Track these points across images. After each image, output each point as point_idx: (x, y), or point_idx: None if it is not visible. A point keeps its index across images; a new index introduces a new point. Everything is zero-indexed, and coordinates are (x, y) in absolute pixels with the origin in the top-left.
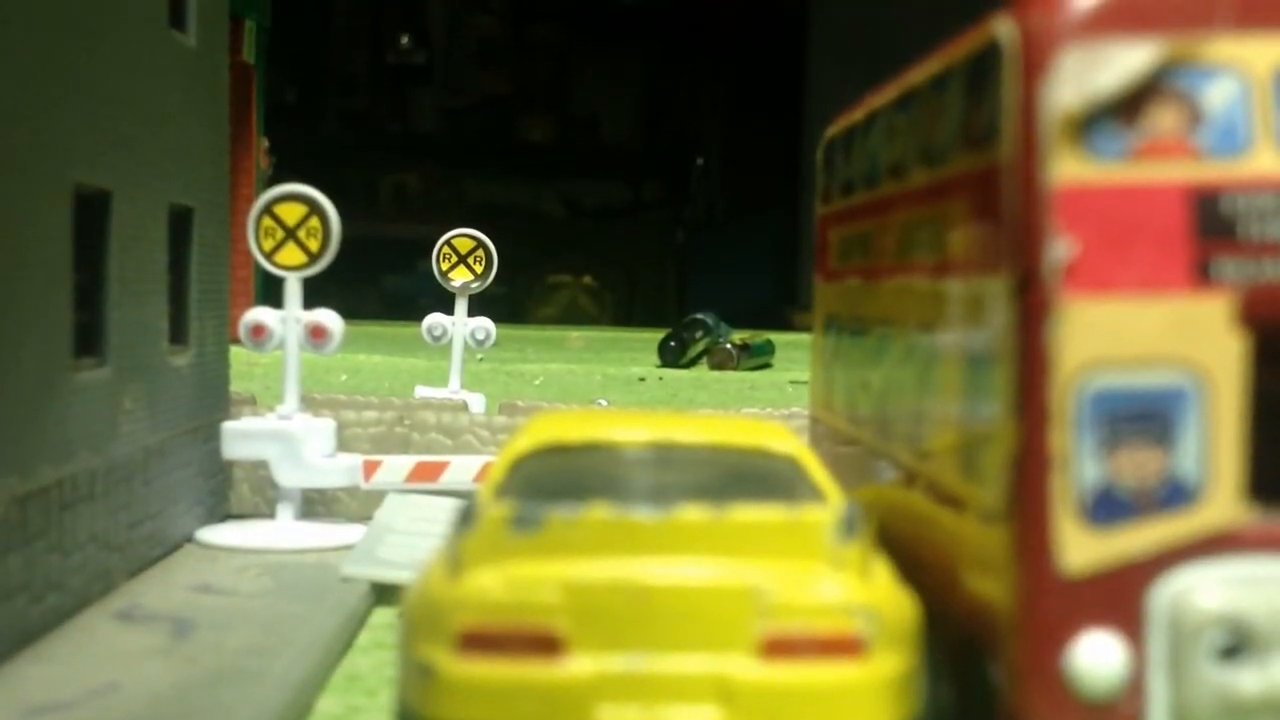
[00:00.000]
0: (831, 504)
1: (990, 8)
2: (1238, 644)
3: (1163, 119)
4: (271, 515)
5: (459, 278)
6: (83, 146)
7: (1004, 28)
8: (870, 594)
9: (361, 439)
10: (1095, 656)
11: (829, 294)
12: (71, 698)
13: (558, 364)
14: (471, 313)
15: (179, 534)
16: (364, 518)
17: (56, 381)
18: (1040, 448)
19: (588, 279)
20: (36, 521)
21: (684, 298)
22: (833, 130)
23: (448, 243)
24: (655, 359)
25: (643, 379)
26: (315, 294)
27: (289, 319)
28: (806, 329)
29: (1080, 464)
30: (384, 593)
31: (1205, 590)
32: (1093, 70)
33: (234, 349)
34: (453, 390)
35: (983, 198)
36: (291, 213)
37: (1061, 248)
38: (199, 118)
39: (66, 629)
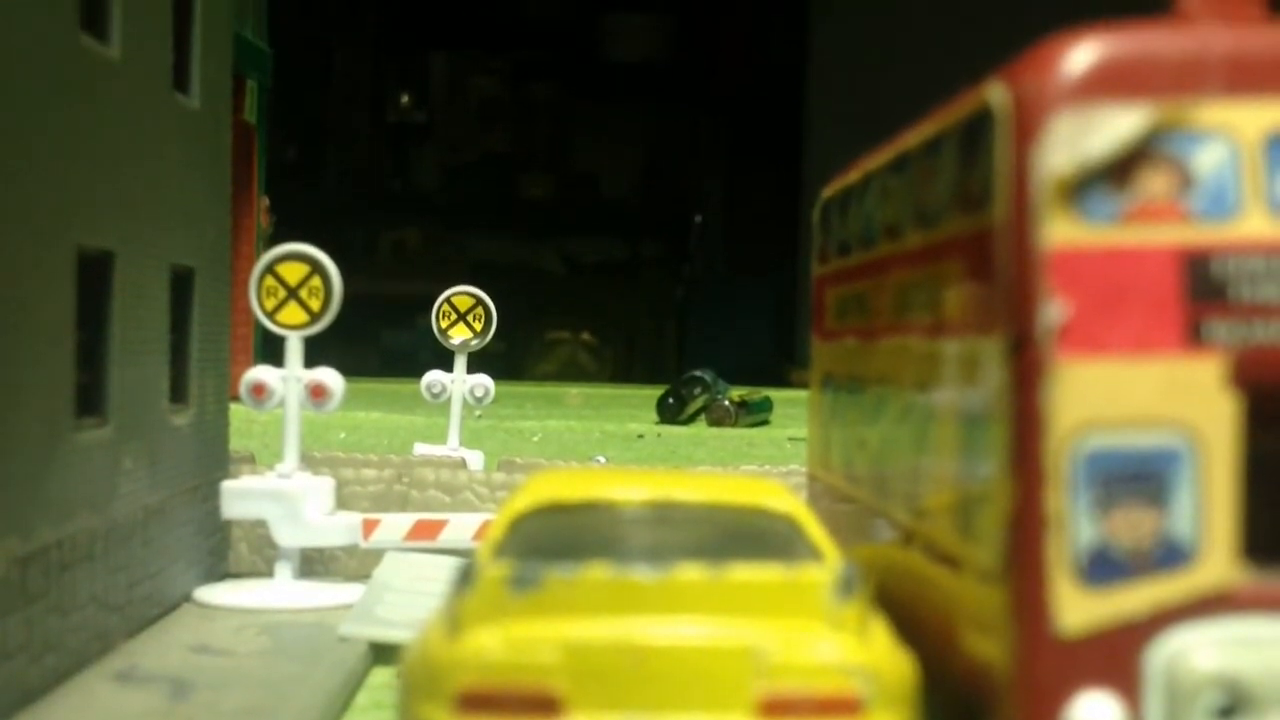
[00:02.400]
0: (830, 563)
1: (984, 72)
2: (1234, 705)
3: (1154, 183)
4: (270, 574)
5: (458, 335)
6: (85, 207)
7: (996, 92)
8: (868, 654)
9: (360, 497)
10: (1092, 716)
11: (826, 353)
12: None
13: (556, 420)
14: (470, 369)
15: (177, 593)
16: (363, 576)
17: (58, 442)
18: (1036, 508)
19: (586, 335)
20: (36, 582)
21: (682, 354)
22: (829, 191)
23: (447, 300)
24: (654, 415)
25: (641, 436)
26: (314, 351)
27: (290, 378)
28: (805, 386)
29: (1076, 524)
30: (382, 652)
31: (1201, 651)
32: (1084, 135)
33: (233, 405)
34: (452, 447)
35: (977, 260)
36: (293, 272)
37: (1055, 309)
38: (201, 178)
39: (65, 690)
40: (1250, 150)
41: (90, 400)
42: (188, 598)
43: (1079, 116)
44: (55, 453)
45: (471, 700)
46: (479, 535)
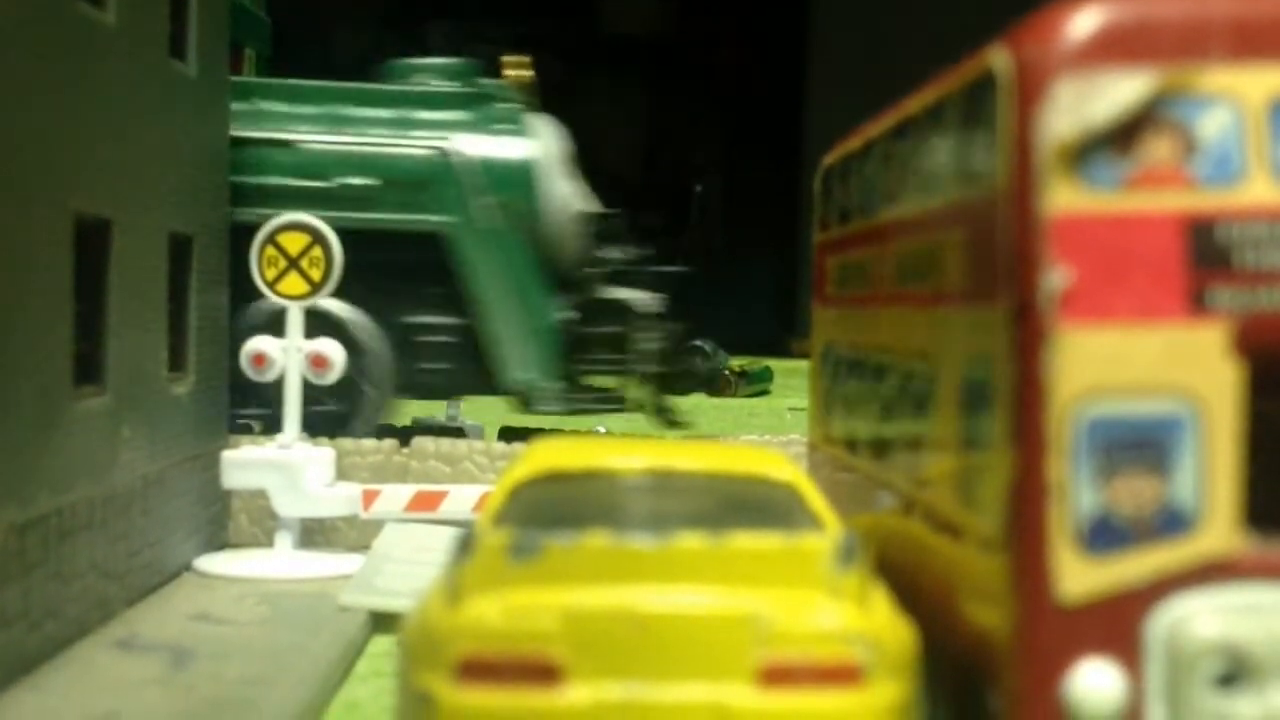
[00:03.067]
0: (830, 532)
1: (987, 39)
2: (1235, 672)
3: (1157, 149)
4: (270, 544)
5: None
6: (83, 175)
7: (999, 58)
8: (869, 622)
9: (360, 467)
10: (1093, 684)
11: (826, 321)
12: None
13: None
14: None
15: (177, 562)
16: (363, 547)
17: (56, 410)
18: (1037, 476)
19: None
20: (35, 550)
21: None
22: (830, 158)
23: None
24: None
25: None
26: (319, 323)
27: (290, 348)
28: (805, 356)
29: (1077, 492)
30: (382, 621)
31: (1202, 618)
32: (1088, 100)
33: None
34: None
35: (978, 227)
36: (294, 242)
37: (1057, 276)
38: (199, 146)
39: (65, 658)
40: (1255, 116)
41: (89, 369)
42: (188, 567)
43: (1082, 82)
44: (54, 422)
45: (471, 668)
46: (478, 507)
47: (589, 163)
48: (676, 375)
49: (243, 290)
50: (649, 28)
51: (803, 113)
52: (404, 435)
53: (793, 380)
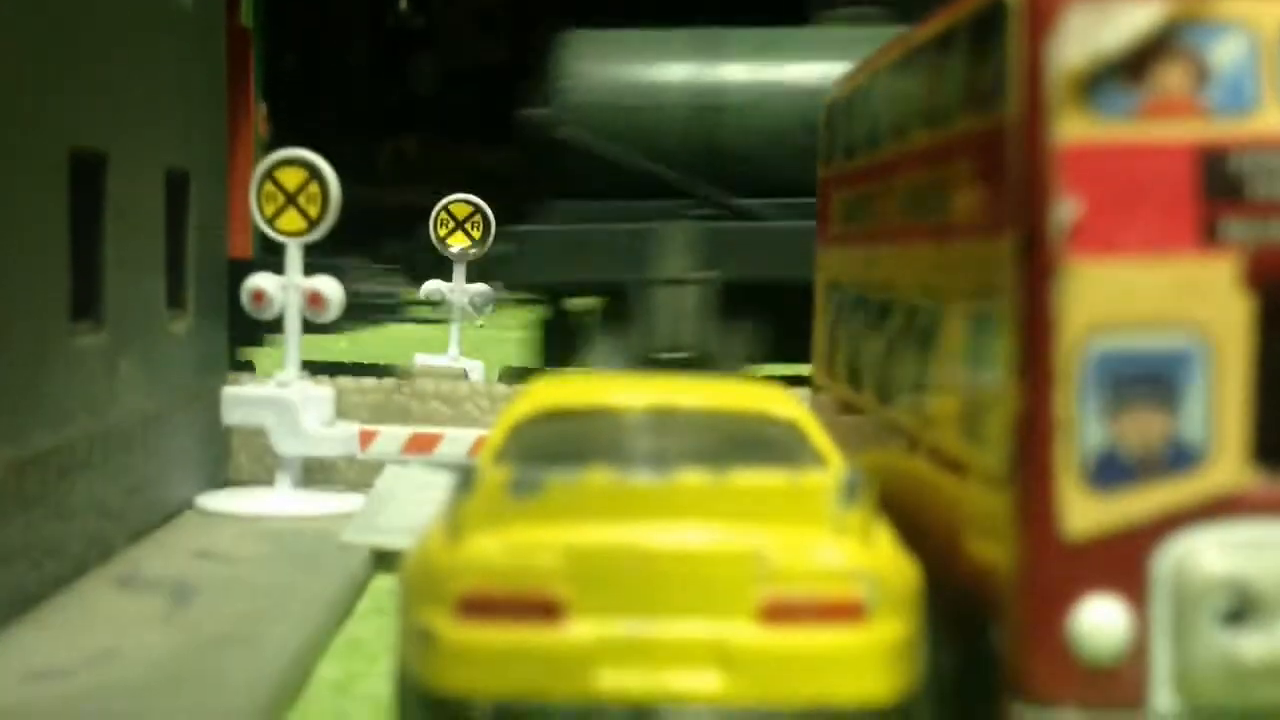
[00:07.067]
0: (833, 469)
1: None
2: (1242, 608)
3: (1169, 77)
4: (270, 483)
5: (457, 244)
6: (77, 108)
7: None
8: (872, 559)
9: (360, 406)
10: (1098, 621)
11: (831, 258)
12: (71, 664)
13: None
14: (470, 279)
15: (178, 500)
16: (364, 486)
17: (53, 347)
18: (1044, 411)
19: None
20: (34, 488)
21: None
22: (834, 91)
23: (445, 208)
24: None
25: None
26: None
27: (289, 286)
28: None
29: (1084, 427)
30: (383, 559)
31: (1209, 554)
32: (1098, 28)
33: None
34: (452, 357)
35: (987, 158)
36: (292, 178)
37: (1067, 208)
38: (195, 81)
39: (66, 595)
40: (1269, 43)
41: (85, 305)
42: (189, 505)
43: (1093, 9)
44: (50, 358)
45: (472, 604)
46: (475, 450)
47: None
48: None
49: None
50: None
51: None
52: (406, 375)
53: None
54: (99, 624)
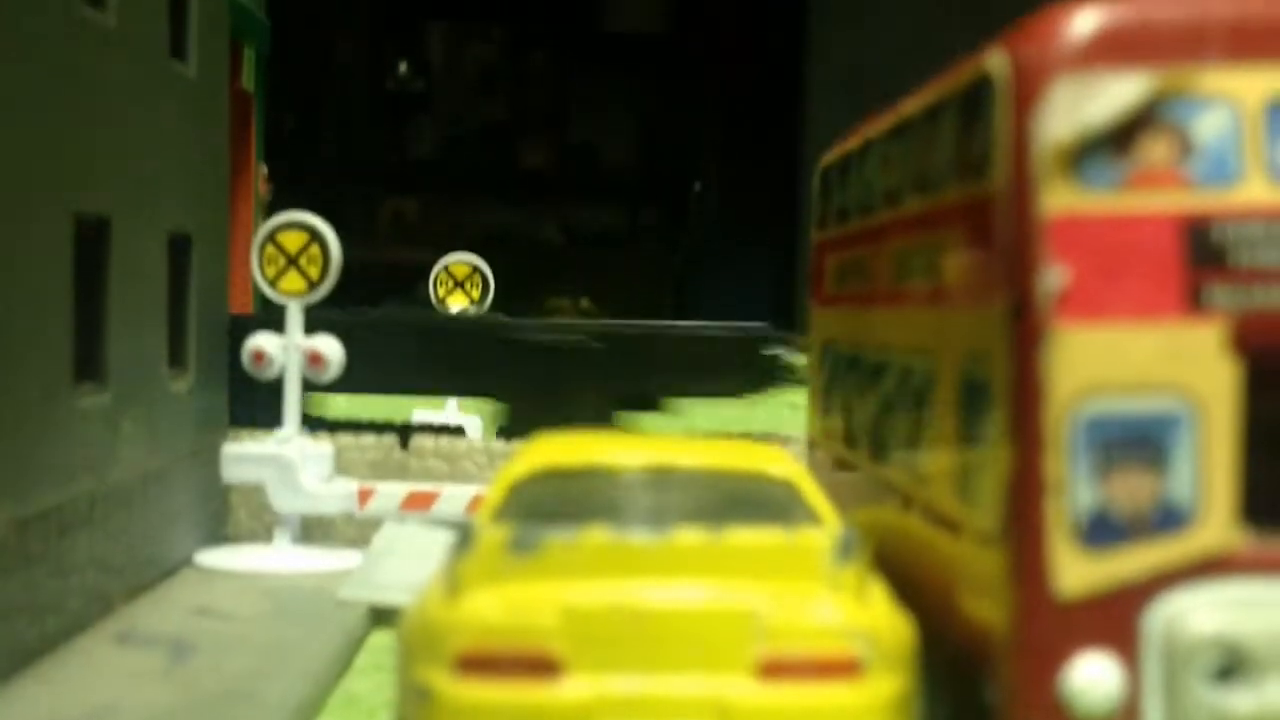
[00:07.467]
0: (828, 527)
1: (985, 40)
2: (1232, 666)
3: (1154, 149)
4: (269, 539)
5: (456, 303)
6: (83, 174)
7: (997, 60)
8: (867, 616)
9: (359, 463)
10: (1091, 678)
11: (825, 319)
12: (71, 719)
13: None
14: None
15: (178, 557)
16: (362, 543)
17: (57, 407)
18: (1035, 472)
19: (585, 303)
20: (36, 545)
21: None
22: (828, 158)
23: (445, 268)
24: None
25: None
26: (313, 318)
27: (290, 346)
28: (803, 353)
29: (1075, 488)
30: (382, 616)
31: (1200, 613)
32: (1085, 101)
33: None
34: (450, 414)
35: (976, 226)
36: (293, 240)
37: (1054, 275)
38: (198, 145)
39: (65, 651)
40: (1251, 117)
41: (89, 366)
42: (188, 561)
43: (1079, 83)
44: (54, 418)
45: (470, 662)
46: (472, 508)
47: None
48: None
49: None
50: (647, 25)
51: (801, 109)
52: (404, 432)
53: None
54: (99, 680)
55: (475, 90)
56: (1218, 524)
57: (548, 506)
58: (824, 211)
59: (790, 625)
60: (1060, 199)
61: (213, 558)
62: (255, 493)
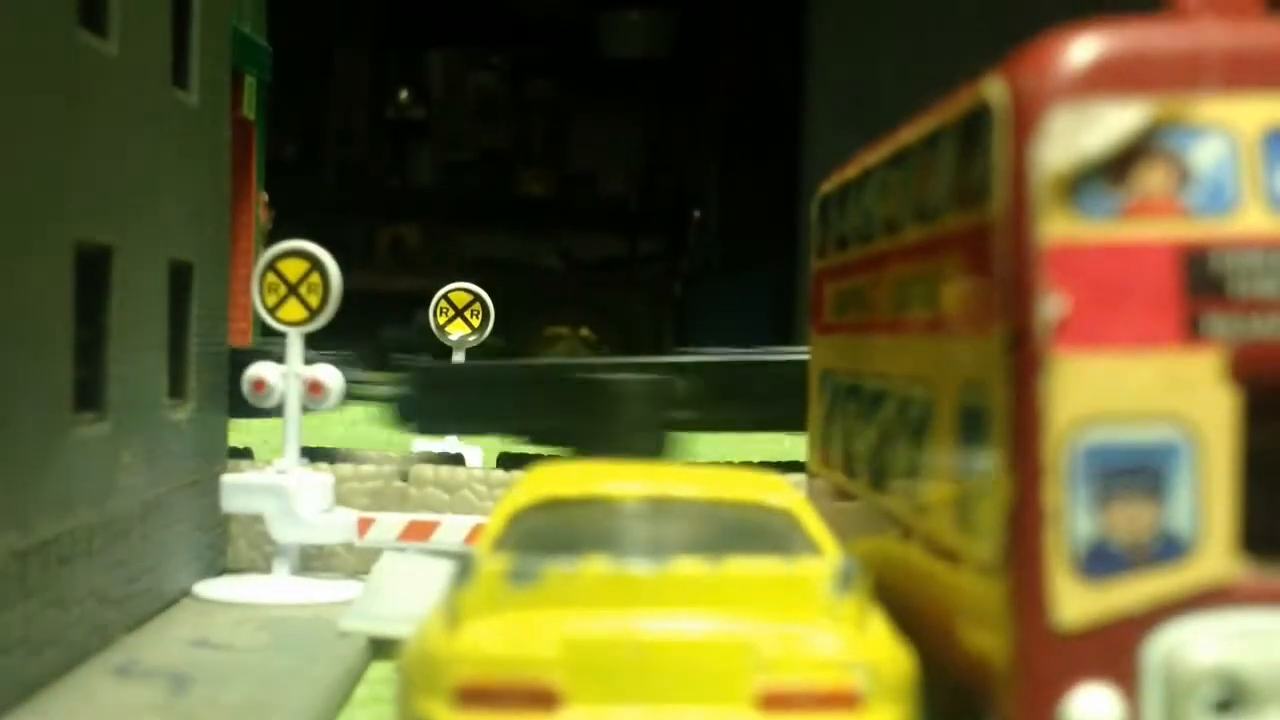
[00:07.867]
0: (828, 557)
1: (983, 68)
2: (1231, 698)
3: (1152, 178)
4: (268, 570)
5: (456, 331)
6: (84, 203)
7: (995, 89)
8: (867, 647)
9: (359, 493)
10: (1090, 709)
11: (824, 347)
12: None
13: None
14: None
15: (177, 588)
16: (362, 572)
17: (56, 437)
18: (1034, 502)
19: (585, 331)
20: (35, 576)
21: (681, 349)
22: (827, 186)
23: (445, 296)
24: None
25: None
26: (312, 346)
27: (290, 374)
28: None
29: (1074, 518)
30: (381, 647)
31: (1200, 644)
32: (1082, 131)
33: None
34: (450, 443)
35: (975, 255)
36: (294, 269)
37: (1053, 304)
38: (200, 174)
39: (64, 683)
40: (1248, 146)
41: (89, 395)
42: (187, 592)
43: (1077, 112)
44: (54, 448)
45: (470, 694)
46: (472, 537)
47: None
48: None
49: None
50: (647, 53)
51: (800, 139)
52: (403, 463)
53: None
54: (98, 713)
55: (475, 117)
56: (1217, 554)
57: (548, 537)
58: (823, 240)
59: (790, 656)
60: (1058, 227)
61: (212, 588)
62: (255, 523)
